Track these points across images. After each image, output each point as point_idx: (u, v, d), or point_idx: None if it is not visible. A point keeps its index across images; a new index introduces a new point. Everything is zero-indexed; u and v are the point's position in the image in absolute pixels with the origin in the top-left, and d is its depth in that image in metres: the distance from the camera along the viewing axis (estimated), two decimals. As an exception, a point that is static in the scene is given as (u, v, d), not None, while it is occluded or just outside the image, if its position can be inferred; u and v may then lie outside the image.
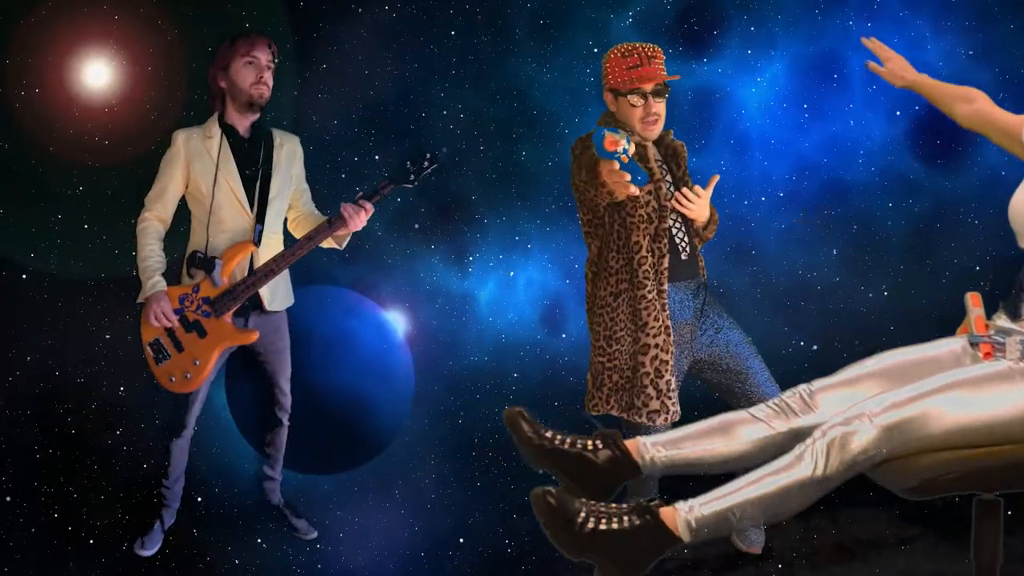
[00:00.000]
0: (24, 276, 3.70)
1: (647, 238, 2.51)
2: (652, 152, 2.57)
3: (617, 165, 2.10)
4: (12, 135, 3.62)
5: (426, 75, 4.05)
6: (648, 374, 2.49)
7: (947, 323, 3.91)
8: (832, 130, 4.00)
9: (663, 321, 2.50)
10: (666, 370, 2.49)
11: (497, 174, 4.16)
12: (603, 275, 2.59)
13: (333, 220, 2.88)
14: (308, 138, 3.89)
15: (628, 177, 2.11)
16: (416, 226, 4.12)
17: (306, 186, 3.12)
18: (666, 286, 2.54)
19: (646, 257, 2.50)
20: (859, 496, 3.20)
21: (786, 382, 3.96)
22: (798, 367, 3.97)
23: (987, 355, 1.80)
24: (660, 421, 2.49)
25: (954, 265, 3.91)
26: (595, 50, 4.06)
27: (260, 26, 3.79)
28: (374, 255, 4.05)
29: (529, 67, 4.08)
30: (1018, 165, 3.84)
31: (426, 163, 2.90)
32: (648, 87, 2.50)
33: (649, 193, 2.52)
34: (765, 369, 2.68)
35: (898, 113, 3.95)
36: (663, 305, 2.51)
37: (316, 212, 3.11)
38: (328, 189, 3.96)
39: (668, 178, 2.62)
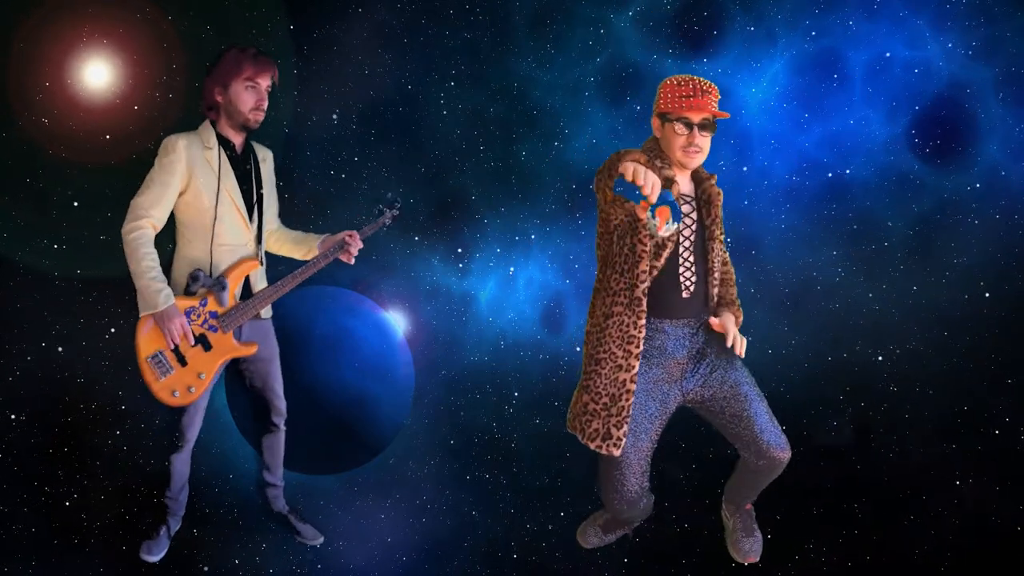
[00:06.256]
0: (24, 276, 3.69)
1: (651, 269, 2.50)
2: (676, 190, 2.53)
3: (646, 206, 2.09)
4: (12, 135, 3.61)
5: (426, 75, 4.04)
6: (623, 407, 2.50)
7: (947, 322, 3.94)
8: (832, 129, 4.00)
9: (636, 356, 2.50)
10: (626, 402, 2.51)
11: (497, 173, 4.16)
12: (602, 293, 2.59)
13: (333, 250, 3.00)
14: (307, 138, 3.90)
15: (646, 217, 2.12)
16: (416, 225, 4.11)
17: (277, 201, 3.16)
18: (664, 322, 2.54)
19: (647, 289, 2.49)
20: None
21: (786, 382, 4.00)
22: (798, 367, 3.98)
23: None
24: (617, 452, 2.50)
25: (954, 265, 3.91)
26: (595, 49, 4.06)
27: (260, 25, 3.79)
28: (374, 255, 4.05)
29: (529, 66, 4.08)
30: (1020, 165, 3.85)
31: (396, 212, 3.18)
32: (696, 118, 2.49)
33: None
34: (766, 414, 2.59)
35: (899, 112, 3.95)
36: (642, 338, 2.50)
37: (286, 227, 3.19)
38: (328, 189, 3.96)
39: (691, 218, 2.58)
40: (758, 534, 2.83)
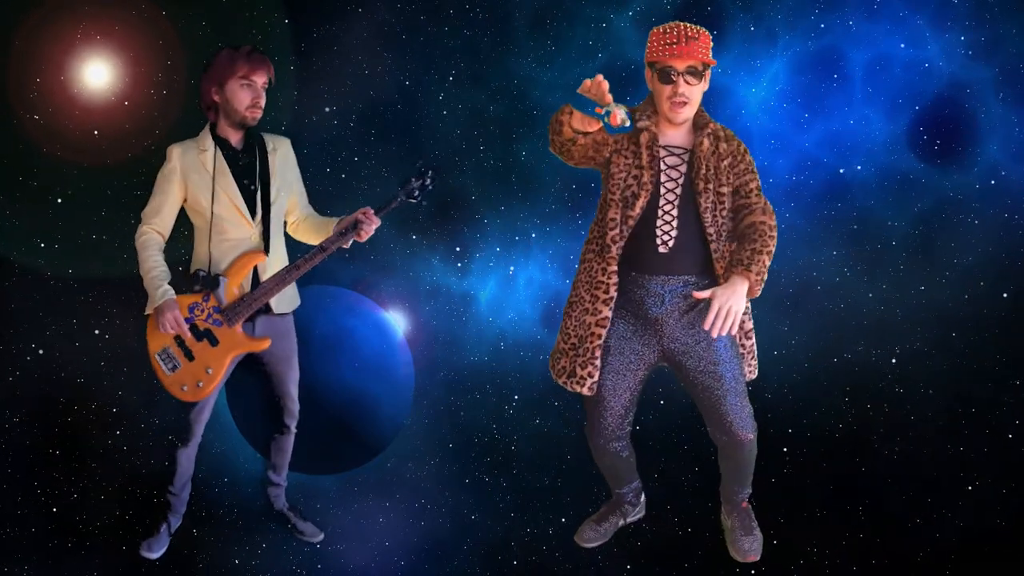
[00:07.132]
0: (21, 276, 3.69)
1: (621, 219, 2.51)
2: (646, 140, 2.49)
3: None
4: (12, 135, 3.61)
5: (426, 75, 4.04)
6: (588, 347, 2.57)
7: (950, 322, 3.94)
8: (833, 128, 3.99)
9: (603, 302, 2.53)
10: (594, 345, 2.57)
11: (497, 173, 4.15)
12: (586, 239, 2.66)
13: (345, 231, 2.86)
14: (307, 138, 3.90)
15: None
16: (416, 225, 4.11)
17: (303, 188, 3.10)
18: (642, 276, 2.53)
19: (615, 236, 2.51)
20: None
21: (785, 382, 3.99)
22: (798, 367, 3.97)
23: None
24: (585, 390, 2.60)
25: (954, 265, 3.90)
26: (595, 49, 4.06)
27: (260, 25, 3.79)
28: (374, 255, 4.04)
29: (529, 66, 4.07)
30: (1020, 165, 3.85)
31: (429, 180, 2.94)
32: (680, 65, 2.41)
33: (634, 177, 2.49)
34: (737, 396, 2.55)
35: (899, 111, 3.95)
36: (613, 286, 2.52)
37: (315, 213, 3.11)
38: (328, 189, 3.96)
39: (677, 171, 2.50)
40: (757, 532, 2.82)
